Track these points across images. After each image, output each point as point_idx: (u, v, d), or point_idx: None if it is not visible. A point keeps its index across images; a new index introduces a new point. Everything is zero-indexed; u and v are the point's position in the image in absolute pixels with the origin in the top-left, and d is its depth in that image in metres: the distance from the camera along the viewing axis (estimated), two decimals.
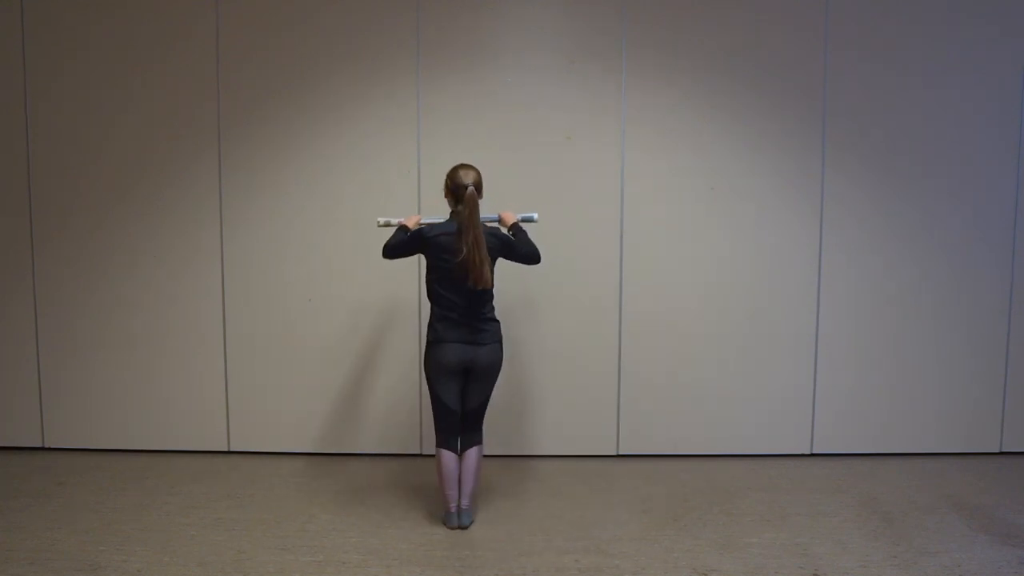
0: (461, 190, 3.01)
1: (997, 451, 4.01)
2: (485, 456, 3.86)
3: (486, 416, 3.22)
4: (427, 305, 3.90)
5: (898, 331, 3.95)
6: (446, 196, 3.11)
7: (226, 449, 4.03)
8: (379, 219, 3.33)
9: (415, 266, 3.90)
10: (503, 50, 3.85)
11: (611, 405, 3.97)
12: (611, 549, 2.93)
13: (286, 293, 3.95)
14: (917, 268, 3.93)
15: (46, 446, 4.05)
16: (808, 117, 3.86)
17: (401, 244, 3.08)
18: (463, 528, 3.09)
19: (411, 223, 3.15)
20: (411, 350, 3.96)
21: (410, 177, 3.87)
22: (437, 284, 3.07)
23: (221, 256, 3.94)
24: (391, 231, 3.36)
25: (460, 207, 3.02)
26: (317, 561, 2.82)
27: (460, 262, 2.95)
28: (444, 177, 3.12)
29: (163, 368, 3.99)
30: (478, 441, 3.14)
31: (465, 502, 3.12)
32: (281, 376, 3.98)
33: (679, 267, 3.92)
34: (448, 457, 3.10)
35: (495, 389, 3.24)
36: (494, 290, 3.08)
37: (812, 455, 4.01)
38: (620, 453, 4.01)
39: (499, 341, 3.12)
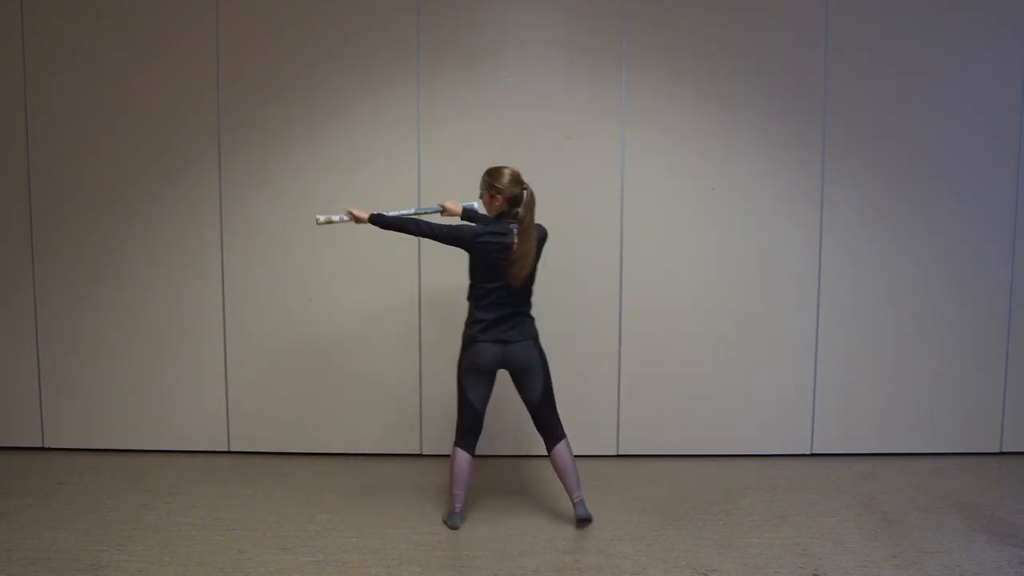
0: (519, 191, 3.03)
1: (997, 451, 4.00)
2: (484, 456, 3.86)
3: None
4: (426, 305, 3.95)
5: (898, 331, 3.95)
6: (486, 197, 3.08)
7: (226, 449, 4.03)
8: (318, 216, 3.18)
9: (415, 266, 3.90)
10: (503, 50, 3.85)
11: (611, 405, 3.97)
12: (611, 549, 2.93)
13: (286, 293, 3.95)
14: (917, 268, 3.93)
15: (46, 446, 4.05)
16: (808, 117, 3.86)
17: (442, 237, 3.00)
18: (588, 521, 3.09)
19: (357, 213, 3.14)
20: (411, 350, 3.96)
21: (410, 177, 3.87)
22: (482, 283, 3.06)
23: (221, 256, 3.94)
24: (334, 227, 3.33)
25: (518, 210, 3.02)
26: (317, 561, 2.83)
27: (513, 261, 2.97)
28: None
29: (163, 368, 3.99)
30: (561, 435, 3.13)
31: (577, 495, 3.11)
32: (281, 376, 3.98)
33: (679, 267, 3.92)
34: (462, 457, 3.11)
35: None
36: (534, 287, 3.13)
37: (812, 455, 4.00)
38: (620, 453, 4.01)
39: (532, 337, 3.11)
